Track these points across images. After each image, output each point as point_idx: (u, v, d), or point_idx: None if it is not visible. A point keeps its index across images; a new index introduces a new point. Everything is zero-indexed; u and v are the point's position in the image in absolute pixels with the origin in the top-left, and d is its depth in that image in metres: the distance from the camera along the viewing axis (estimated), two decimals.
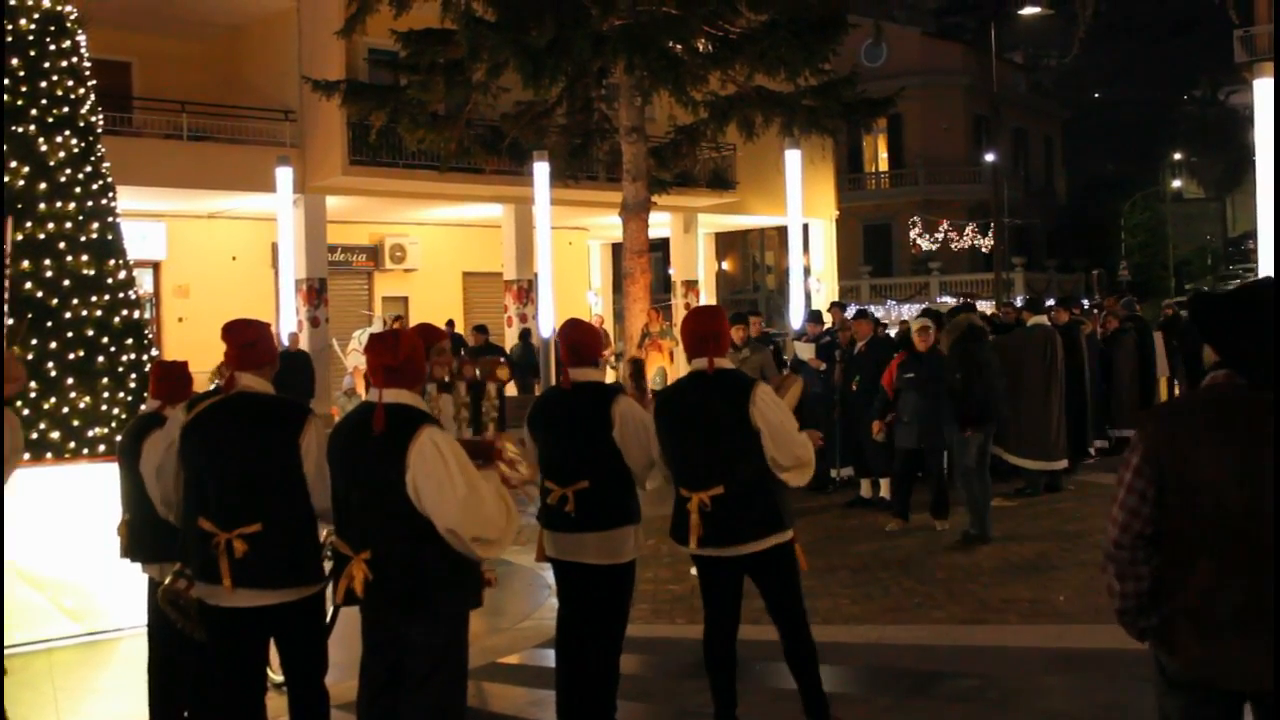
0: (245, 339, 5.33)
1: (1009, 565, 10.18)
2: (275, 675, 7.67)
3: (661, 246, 30.83)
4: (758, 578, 5.96)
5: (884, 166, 54.96)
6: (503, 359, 17.83)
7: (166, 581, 5.73)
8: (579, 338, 6.29)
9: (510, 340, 25.26)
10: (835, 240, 34.01)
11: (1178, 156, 63.95)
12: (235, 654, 5.26)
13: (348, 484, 4.86)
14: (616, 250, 30.65)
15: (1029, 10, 41.16)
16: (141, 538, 6.37)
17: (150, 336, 10.61)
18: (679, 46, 18.85)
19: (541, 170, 16.94)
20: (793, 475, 5.85)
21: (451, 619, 4.84)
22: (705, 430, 5.85)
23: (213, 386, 6.15)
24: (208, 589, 5.20)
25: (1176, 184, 64.54)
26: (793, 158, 18.77)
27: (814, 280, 31.37)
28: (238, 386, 5.31)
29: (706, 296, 31.62)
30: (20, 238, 9.58)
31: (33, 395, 9.42)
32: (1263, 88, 11.69)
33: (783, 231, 25.64)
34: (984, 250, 48.92)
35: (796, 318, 18.06)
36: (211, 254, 25.32)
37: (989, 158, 47.44)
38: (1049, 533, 11.42)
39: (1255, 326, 3.49)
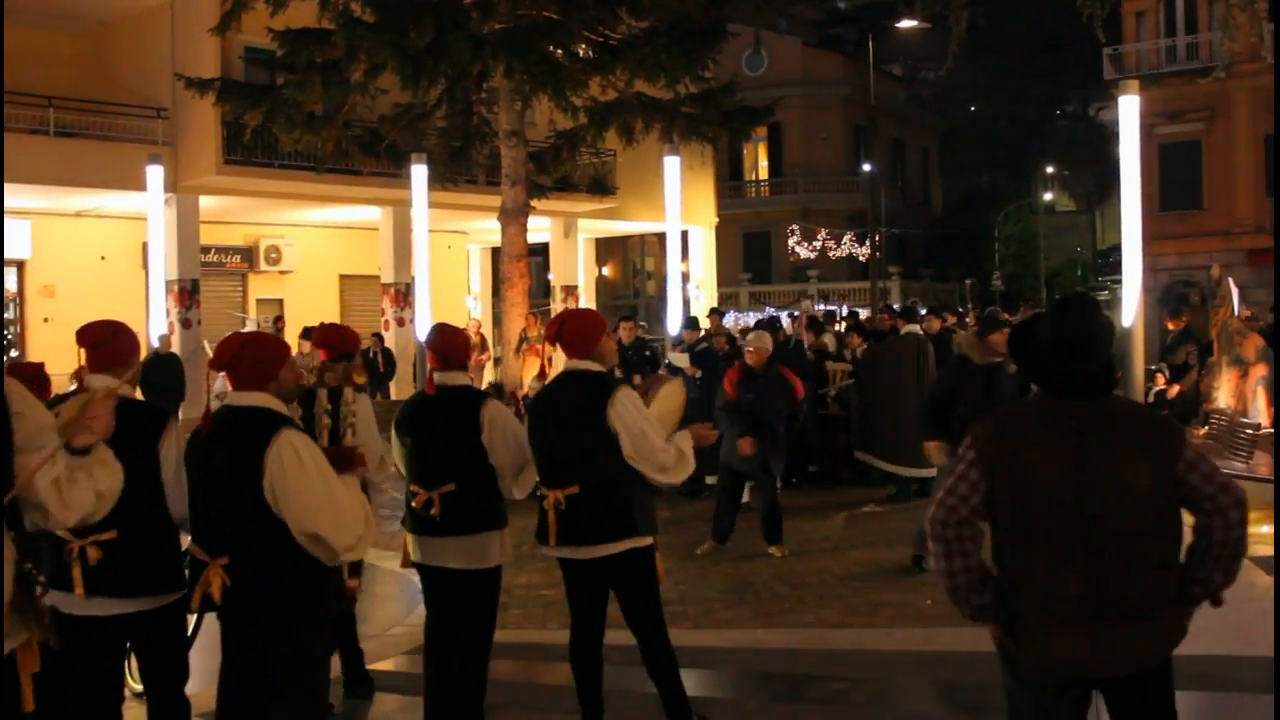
0: (92, 339, 5.17)
1: (878, 570, 10.30)
2: (134, 684, 7.50)
3: (541, 251, 30.77)
4: (613, 583, 5.97)
5: (764, 174, 55.42)
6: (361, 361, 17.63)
7: None
8: (447, 342, 6.27)
9: (391, 343, 24.98)
10: (715, 247, 34.21)
11: (1050, 170, 65.33)
12: (90, 664, 5.10)
13: (205, 487, 4.76)
14: (496, 254, 30.54)
15: (906, 24, 41.77)
16: None
17: (10, 337, 10.31)
18: (559, 51, 18.84)
19: (419, 173, 16.75)
20: (661, 476, 5.85)
21: (311, 626, 4.75)
22: (565, 429, 5.88)
23: (70, 390, 5.98)
24: (60, 597, 4.99)
25: (1048, 197, 65.92)
26: (672, 164, 18.79)
27: (693, 287, 31.51)
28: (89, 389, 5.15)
29: (586, 302, 31.63)
30: None
31: None
32: (1128, 104, 11.94)
33: (663, 238, 25.70)
34: (861, 259, 49.55)
35: (675, 324, 18.08)
36: (79, 253, 24.72)
37: (867, 168, 48.08)
38: None
39: (1036, 353, 4.00)
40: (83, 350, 5.30)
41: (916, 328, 14.32)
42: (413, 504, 6.21)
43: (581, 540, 5.86)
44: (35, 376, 6.34)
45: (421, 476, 6.18)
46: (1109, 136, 54.12)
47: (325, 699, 4.85)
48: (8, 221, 22.06)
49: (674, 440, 5.93)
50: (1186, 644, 3.90)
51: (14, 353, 10.25)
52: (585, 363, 5.98)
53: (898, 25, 43.40)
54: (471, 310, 31.95)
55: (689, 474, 6.01)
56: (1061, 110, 74.57)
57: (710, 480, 14.23)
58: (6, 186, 19.77)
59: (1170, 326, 18.99)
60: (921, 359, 13.77)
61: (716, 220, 34.16)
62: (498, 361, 24.73)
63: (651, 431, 5.82)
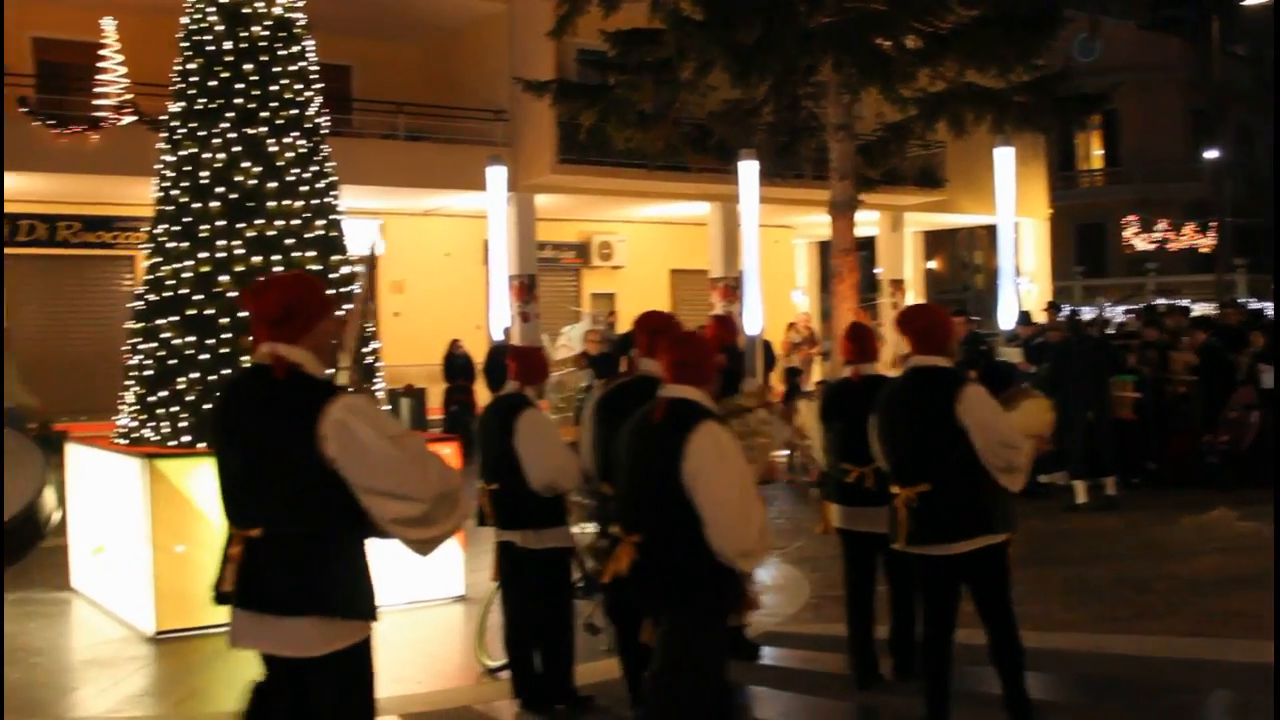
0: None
1: (1231, 578, 9.83)
2: (490, 661, 7.88)
3: (868, 245, 30.55)
4: (966, 578, 5.97)
5: (1097, 164, 53.46)
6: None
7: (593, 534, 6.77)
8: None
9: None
10: (1048, 240, 33.27)
11: None
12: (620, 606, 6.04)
13: (633, 468, 5.03)
14: (823, 249, 30.49)
15: (1251, 1, 39.57)
16: (506, 506, 6.83)
17: (371, 330, 10.95)
18: (888, 43, 18.67)
19: (748, 168, 16.92)
20: (1003, 479, 5.84)
21: (708, 610, 4.92)
22: (913, 426, 5.95)
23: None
24: None
25: None
26: (1004, 155, 18.39)
27: (1025, 280, 30.71)
28: (642, 370, 5.99)
29: (914, 296, 31.26)
30: (252, 234, 9.99)
31: None
32: None
33: (992, 230, 25.16)
34: (1204, 251, 47.21)
35: (1007, 319, 17.70)
36: (426, 250, 25.98)
37: (1210, 154, 45.75)
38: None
39: None
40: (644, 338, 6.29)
41: None
42: (845, 480, 6.98)
43: (934, 538, 5.89)
44: (533, 357, 7.24)
45: (852, 455, 6.89)
46: None
47: (710, 681, 4.95)
48: (364, 222, 23.31)
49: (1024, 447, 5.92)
50: None
51: (375, 344, 10.87)
52: (934, 358, 6.00)
53: (1242, 3, 41.16)
54: (799, 304, 32.00)
55: (1022, 482, 5.98)
56: None
57: (1044, 479, 13.90)
58: (362, 189, 20.92)
59: None
60: None
61: (1050, 211, 33.20)
62: (826, 355, 24.73)
63: (1003, 428, 5.80)
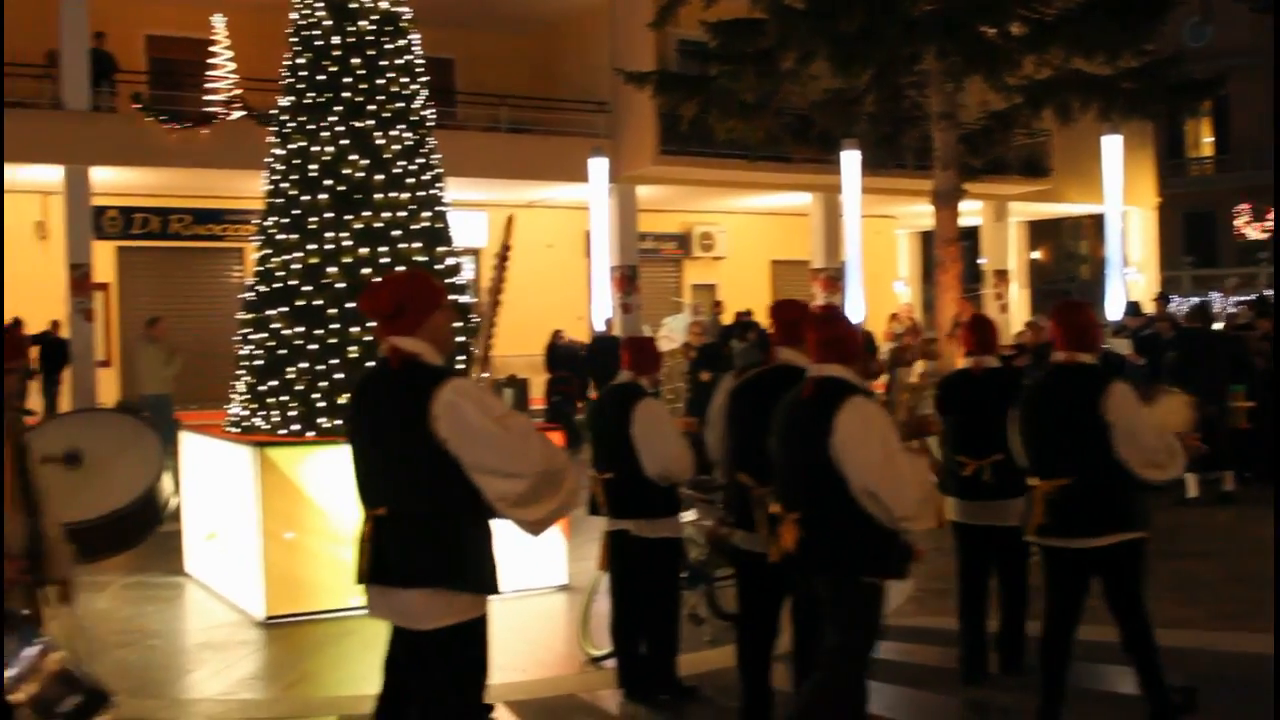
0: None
1: None
2: (594, 650, 7.92)
3: (971, 235, 30.20)
4: (1101, 574, 5.96)
5: (1207, 151, 52.31)
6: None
7: (712, 524, 6.81)
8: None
9: None
10: (1156, 229, 32.65)
11: None
12: (755, 598, 6.07)
13: (789, 449, 5.15)
14: (924, 239, 30.18)
15: None
16: (620, 495, 6.87)
17: (476, 321, 11.03)
18: (992, 31, 18.46)
19: (850, 158, 16.85)
20: (1148, 473, 5.82)
21: (866, 584, 5.05)
22: (1056, 421, 5.96)
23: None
24: (744, 536, 5.90)
25: None
26: (1112, 143, 18.13)
27: (1132, 271, 30.21)
28: (780, 359, 6.00)
29: (1018, 287, 30.86)
30: (360, 226, 10.11)
31: None
32: None
33: (1099, 220, 24.75)
34: None
35: (1114, 310, 17.45)
36: (528, 242, 26.03)
37: None
38: None
39: None
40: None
41: None
42: (962, 473, 6.89)
43: (1071, 532, 5.89)
44: (646, 347, 7.20)
45: (970, 448, 6.86)
46: None
47: (864, 658, 5.12)
48: (466, 214, 23.52)
49: (1168, 440, 5.91)
50: None
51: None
52: (1080, 354, 6.03)
53: None
54: (901, 295, 31.73)
55: (1179, 473, 6.02)
56: None
57: None
58: (466, 181, 21.11)
59: None
60: None
61: (1158, 200, 32.60)
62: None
63: (1144, 428, 5.78)
